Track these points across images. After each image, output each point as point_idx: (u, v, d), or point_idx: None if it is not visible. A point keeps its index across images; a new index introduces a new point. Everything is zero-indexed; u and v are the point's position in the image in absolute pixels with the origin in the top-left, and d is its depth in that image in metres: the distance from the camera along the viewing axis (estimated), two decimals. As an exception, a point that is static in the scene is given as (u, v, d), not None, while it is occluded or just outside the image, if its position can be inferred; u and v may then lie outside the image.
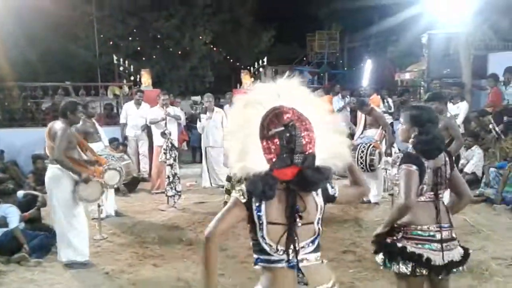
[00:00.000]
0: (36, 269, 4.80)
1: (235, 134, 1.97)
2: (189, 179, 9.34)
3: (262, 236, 1.90)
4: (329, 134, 1.97)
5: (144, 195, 8.17)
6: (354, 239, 5.53)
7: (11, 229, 5.11)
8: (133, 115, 9.13)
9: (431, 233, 2.73)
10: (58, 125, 4.81)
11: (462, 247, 2.87)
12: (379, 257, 2.87)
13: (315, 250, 1.97)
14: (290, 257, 1.88)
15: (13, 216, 5.23)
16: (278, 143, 1.86)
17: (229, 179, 6.55)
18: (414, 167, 2.72)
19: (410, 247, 2.72)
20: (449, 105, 8.83)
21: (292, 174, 1.86)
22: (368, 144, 6.65)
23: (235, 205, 1.93)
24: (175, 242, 5.66)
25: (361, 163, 6.57)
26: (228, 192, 6.56)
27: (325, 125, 1.97)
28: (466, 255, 2.83)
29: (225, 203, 6.50)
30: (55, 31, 15.90)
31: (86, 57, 17.82)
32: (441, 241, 2.72)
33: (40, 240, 5.23)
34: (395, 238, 2.79)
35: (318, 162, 1.91)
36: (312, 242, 1.95)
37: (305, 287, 1.89)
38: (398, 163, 5.18)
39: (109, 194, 6.51)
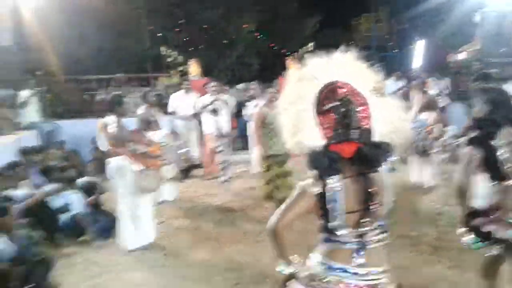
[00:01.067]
0: (99, 251, 5.08)
1: (288, 109, 1.97)
2: (240, 165, 9.47)
3: (337, 224, 1.89)
4: (386, 109, 1.94)
5: (197, 181, 8.36)
6: (410, 224, 5.43)
7: (74, 214, 5.42)
8: (183, 104, 9.28)
9: None
10: (108, 120, 5.02)
11: None
12: (470, 237, 2.84)
13: (385, 230, 1.97)
14: (363, 240, 1.90)
15: (76, 202, 5.54)
16: (333, 118, 1.86)
17: (267, 169, 6.25)
18: (475, 150, 2.71)
19: (498, 231, 2.69)
20: (507, 85, 8.46)
21: (350, 151, 1.84)
22: (422, 128, 6.51)
23: (302, 196, 1.93)
24: (228, 225, 5.81)
25: (416, 147, 6.47)
26: (267, 182, 6.19)
27: (382, 100, 1.95)
28: None
29: (267, 195, 6.33)
30: (107, 26, 16.44)
31: (136, 50, 18.30)
32: None
33: (102, 224, 5.51)
34: (484, 221, 2.77)
35: (376, 137, 1.89)
36: (382, 223, 1.96)
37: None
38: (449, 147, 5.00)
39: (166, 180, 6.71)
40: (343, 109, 1.85)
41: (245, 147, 11.02)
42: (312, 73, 1.96)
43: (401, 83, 10.38)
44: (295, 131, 1.92)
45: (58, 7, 12.58)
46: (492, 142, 2.69)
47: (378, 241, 1.94)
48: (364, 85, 1.93)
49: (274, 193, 6.14)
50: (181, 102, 9.25)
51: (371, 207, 1.88)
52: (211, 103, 8.02)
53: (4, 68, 9.77)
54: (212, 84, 8.32)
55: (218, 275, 4.37)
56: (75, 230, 5.38)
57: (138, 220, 5.08)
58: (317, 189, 1.89)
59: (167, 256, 4.89)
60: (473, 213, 2.81)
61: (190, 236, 5.44)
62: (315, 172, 1.90)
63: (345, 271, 1.91)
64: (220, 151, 7.31)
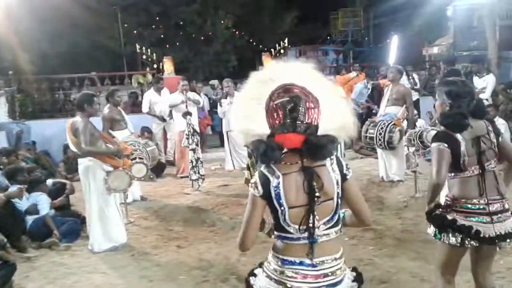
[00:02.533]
0: (65, 253, 5.02)
1: (244, 101, 2.06)
2: (214, 163, 9.46)
3: (285, 220, 1.95)
4: (335, 109, 2.03)
5: (170, 180, 8.34)
6: (376, 217, 5.50)
7: (42, 216, 5.35)
8: (158, 102, 9.22)
9: (481, 206, 2.73)
10: (78, 119, 4.93)
11: None
12: (431, 229, 2.90)
13: (335, 224, 2.02)
14: (311, 235, 1.94)
15: (44, 203, 5.47)
16: (281, 111, 1.92)
17: (250, 155, 6.69)
18: (443, 145, 2.73)
19: (460, 220, 2.75)
20: (475, 78, 8.63)
21: (296, 141, 1.90)
22: (389, 122, 6.59)
23: (254, 205, 1.98)
24: (198, 224, 5.80)
25: (380, 140, 6.54)
26: (248, 168, 6.64)
27: (333, 104, 2.04)
28: None
29: (246, 180, 6.71)
30: (81, 24, 16.22)
31: (112, 47, 18.11)
32: (490, 213, 2.72)
33: (69, 225, 5.46)
34: (445, 211, 2.82)
35: (321, 133, 1.96)
36: (332, 217, 1.99)
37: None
38: (415, 140, 5.09)
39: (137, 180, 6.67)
40: (292, 104, 1.91)
41: (219, 144, 11.04)
42: (270, 75, 2.06)
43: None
44: (244, 120, 2.00)
45: (29, 5, 12.36)
46: (457, 136, 2.74)
47: (328, 235, 1.99)
48: (317, 89, 2.01)
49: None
50: (157, 99, 9.19)
51: (316, 202, 1.91)
52: (182, 102, 8.01)
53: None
54: (182, 83, 8.27)
55: (184, 273, 4.36)
56: (42, 232, 5.31)
57: (107, 221, 5.05)
58: (261, 191, 1.95)
59: (135, 256, 4.86)
60: (436, 205, 2.87)
61: (159, 236, 5.42)
62: (261, 172, 1.96)
63: (300, 263, 1.97)
64: (192, 149, 7.27)
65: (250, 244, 2.02)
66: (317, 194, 1.90)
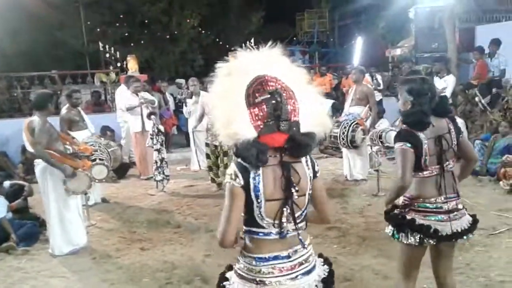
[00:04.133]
0: (23, 257, 4.85)
1: (219, 103, 1.99)
2: (180, 163, 9.37)
3: (260, 214, 1.94)
4: (310, 104, 2.01)
5: (134, 181, 8.20)
6: (340, 216, 5.58)
7: (-2, 219, 5.15)
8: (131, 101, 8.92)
9: (438, 205, 2.75)
10: (35, 119, 4.76)
11: (470, 215, 2.90)
12: (388, 229, 2.91)
13: (304, 218, 2.06)
14: (283, 230, 1.95)
15: (0, 206, 5.25)
16: (265, 110, 1.90)
17: (208, 156, 6.84)
18: (406, 145, 2.71)
19: (419, 219, 2.76)
20: (436, 79, 8.86)
21: (281, 140, 1.91)
22: (352, 121, 6.70)
23: (234, 197, 1.93)
24: (163, 225, 5.71)
25: (343, 139, 6.64)
26: (211, 168, 6.94)
27: (307, 95, 2.01)
28: (474, 221, 2.87)
29: (212, 179, 6.98)
30: (42, 20, 15.71)
31: (74, 45, 17.63)
32: (448, 211, 2.75)
33: (27, 229, 5.28)
34: (403, 210, 2.83)
35: (302, 129, 1.96)
36: (303, 212, 2.03)
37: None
38: (376, 140, 5.12)
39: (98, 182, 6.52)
40: (273, 102, 1.89)
41: (185, 144, 10.94)
42: (239, 67, 1.98)
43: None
44: (227, 124, 1.94)
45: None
46: (419, 135, 2.72)
47: (298, 229, 2.01)
48: (290, 80, 1.98)
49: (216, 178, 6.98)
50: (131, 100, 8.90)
51: (292, 196, 1.93)
52: (139, 105, 7.90)
53: None
54: (135, 84, 8.12)
55: (148, 276, 4.29)
56: (-2, 236, 5.11)
57: (67, 224, 4.90)
58: (242, 181, 1.92)
59: (97, 260, 4.74)
60: (393, 205, 2.89)
61: (122, 239, 5.31)
62: (240, 163, 1.94)
63: (275, 258, 1.98)
64: (157, 149, 7.17)
65: (232, 239, 1.98)
66: (295, 188, 1.93)
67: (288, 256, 1.99)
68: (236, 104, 1.93)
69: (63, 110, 6.55)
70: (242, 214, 2.01)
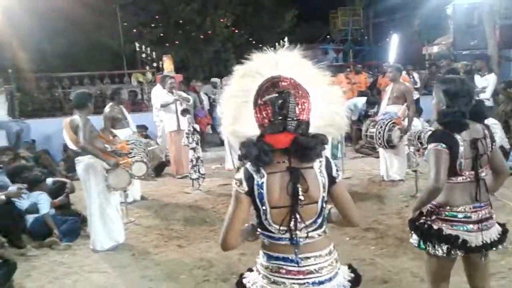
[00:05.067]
0: (66, 252, 5.01)
1: (230, 101, 1.99)
2: (215, 162, 9.45)
3: (266, 219, 1.92)
4: (325, 104, 1.97)
5: (170, 179, 8.33)
6: (377, 217, 5.51)
7: (42, 215, 5.33)
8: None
9: (467, 214, 2.61)
10: (77, 117, 4.92)
11: (499, 223, 2.76)
12: (413, 239, 2.78)
13: (319, 227, 1.96)
14: (293, 237, 1.90)
15: (44, 202, 5.44)
16: (271, 109, 1.85)
17: (240, 158, 6.77)
18: (441, 145, 2.58)
19: (446, 229, 2.63)
20: (477, 77, 8.62)
21: (286, 141, 1.84)
22: (389, 120, 6.58)
23: (238, 203, 1.92)
24: (199, 223, 5.80)
25: (380, 139, 6.53)
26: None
27: (323, 95, 1.97)
28: (504, 231, 2.74)
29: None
30: (81, 22, 16.16)
31: (111, 46, 18.07)
32: (477, 221, 2.61)
33: (69, 225, 5.45)
34: (430, 219, 2.70)
35: (312, 130, 1.91)
36: (315, 221, 1.94)
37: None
38: (414, 140, 4.94)
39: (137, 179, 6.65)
40: (280, 101, 1.84)
41: (219, 143, 11.02)
42: (255, 68, 1.97)
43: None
44: (233, 121, 1.94)
45: (29, 3, 12.31)
46: (456, 136, 2.60)
47: (311, 237, 1.94)
48: (306, 80, 1.94)
49: None
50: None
51: (299, 204, 1.86)
52: (174, 101, 7.99)
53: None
54: (170, 81, 8.22)
55: (185, 273, 4.36)
56: (42, 231, 5.29)
57: (108, 220, 5.03)
58: (246, 187, 1.90)
59: (135, 256, 4.85)
60: (419, 213, 2.76)
61: (160, 235, 5.41)
62: (246, 169, 1.91)
63: (284, 259, 1.95)
64: (192, 148, 7.26)
65: (234, 243, 1.96)
66: (300, 196, 1.85)
67: (297, 261, 1.93)
68: (244, 103, 1.93)
69: (107, 109, 6.74)
70: (255, 218, 1.99)
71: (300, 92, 1.88)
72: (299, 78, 1.93)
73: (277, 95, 1.85)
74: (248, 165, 1.92)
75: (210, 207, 6.48)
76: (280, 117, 1.84)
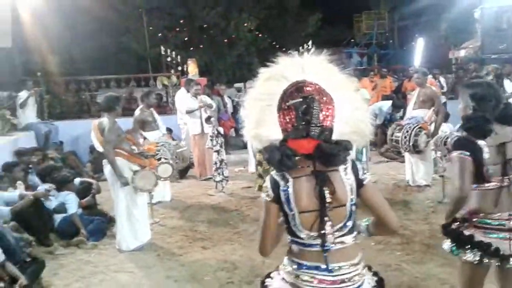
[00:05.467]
0: (92, 251, 5.10)
1: (254, 104, 1.97)
2: (238, 165, 9.48)
3: (295, 225, 1.89)
4: (350, 110, 1.94)
5: (193, 181, 8.38)
6: (402, 222, 5.41)
7: (69, 215, 5.44)
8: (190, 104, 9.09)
9: (502, 222, 2.56)
10: (105, 120, 5.01)
11: None
12: (447, 244, 2.76)
13: (349, 232, 1.93)
14: (324, 242, 1.87)
15: (72, 202, 5.55)
16: (294, 114, 1.83)
17: (260, 163, 6.65)
18: (464, 153, 2.54)
19: (478, 236, 2.58)
20: (506, 82, 8.44)
21: (309, 147, 1.82)
22: (415, 125, 6.48)
23: (267, 211, 1.92)
24: (223, 225, 5.82)
25: (405, 143, 6.44)
26: (260, 176, 6.64)
27: (348, 101, 1.95)
28: None
29: (259, 187, 6.74)
30: (107, 26, 16.51)
31: (137, 50, 18.35)
32: (511, 229, 2.55)
33: (96, 224, 5.54)
34: (462, 225, 2.67)
35: (336, 136, 1.88)
36: (345, 224, 1.91)
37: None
38: (441, 146, 4.83)
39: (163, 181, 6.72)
40: (304, 106, 1.82)
41: (242, 146, 11.04)
42: (281, 72, 1.96)
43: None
44: (256, 125, 1.93)
45: (57, 7, 12.61)
46: (479, 142, 2.54)
47: (342, 242, 1.91)
48: (331, 85, 1.92)
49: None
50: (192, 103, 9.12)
51: (327, 207, 1.84)
52: (198, 108, 8.06)
53: (4, 69, 9.84)
54: (195, 87, 8.31)
55: (209, 275, 4.38)
56: (70, 230, 5.39)
57: (134, 221, 5.09)
58: (272, 194, 1.90)
59: (161, 256, 4.90)
60: (452, 219, 2.72)
61: (184, 237, 5.45)
62: (272, 176, 1.91)
63: (316, 268, 1.91)
64: (216, 151, 7.31)
65: (270, 249, 1.99)
66: (328, 199, 1.83)
67: (330, 270, 1.88)
68: (268, 107, 1.91)
69: (137, 111, 6.85)
70: (284, 224, 1.97)
71: (324, 98, 1.86)
72: (325, 83, 1.91)
73: (301, 100, 1.83)
74: (273, 172, 1.92)
75: (234, 209, 6.50)
76: (304, 123, 1.83)
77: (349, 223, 1.93)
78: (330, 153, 1.81)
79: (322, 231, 1.86)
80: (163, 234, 5.57)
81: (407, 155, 7.03)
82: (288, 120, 1.85)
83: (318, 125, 1.83)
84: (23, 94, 8.98)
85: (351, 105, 1.95)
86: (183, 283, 4.24)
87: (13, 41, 10.01)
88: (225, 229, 5.68)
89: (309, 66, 1.95)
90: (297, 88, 1.87)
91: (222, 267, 4.51)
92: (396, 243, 4.81)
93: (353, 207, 1.91)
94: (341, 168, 1.88)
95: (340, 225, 1.90)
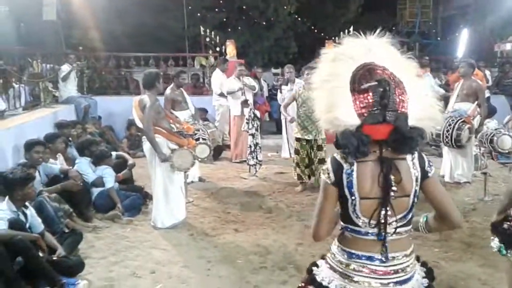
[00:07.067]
0: (128, 226, 5.18)
1: (322, 85, 1.91)
2: (271, 150, 9.44)
3: (354, 211, 1.85)
4: (420, 96, 1.87)
5: (227, 163, 8.40)
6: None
7: (107, 189, 5.53)
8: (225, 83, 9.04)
9: None
10: (146, 97, 5.00)
11: None
12: (495, 243, 2.67)
13: (407, 224, 1.90)
14: (382, 231, 1.83)
15: (109, 177, 5.64)
16: (371, 97, 1.76)
17: (297, 152, 6.53)
18: None
19: None
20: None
21: (385, 132, 1.77)
22: (458, 118, 6.21)
23: (326, 194, 1.88)
24: (255, 209, 5.81)
25: (447, 137, 6.18)
26: (298, 165, 6.54)
27: (416, 87, 1.87)
28: None
29: (299, 176, 6.57)
30: (147, 4, 16.53)
31: (175, 29, 18.34)
32: None
33: (132, 200, 5.62)
34: None
35: (410, 123, 1.81)
36: (405, 216, 1.87)
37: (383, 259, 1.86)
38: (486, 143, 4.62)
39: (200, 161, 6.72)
40: (381, 89, 1.75)
41: (275, 131, 11.00)
42: (346, 53, 1.89)
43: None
44: (329, 108, 1.86)
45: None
46: None
47: (398, 233, 1.86)
48: (398, 70, 1.85)
49: (304, 176, 6.55)
50: (223, 81, 9.08)
51: (391, 196, 1.79)
52: (239, 89, 8.00)
53: (48, 42, 10.04)
54: (239, 68, 8.24)
55: (242, 258, 4.38)
56: (106, 204, 5.49)
57: (170, 199, 5.13)
58: (333, 177, 1.85)
59: (194, 236, 4.93)
60: (504, 216, 2.62)
61: (217, 218, 5.48)
62: (334, 159, 1.87)
63: (369, 258, 1.87)
64: (251, 134, 7.27)
65: (325, 235, 1.95)
66: (393, 187, 1.78)
67: (383, 261, 1.85)
68: (340, 89, 1.83)
69: (168, 90, 6.86)
70: (339, 210, 1.93)
71: (397, 82, 1.79)
72: (391, 66, 1.83)
73: (376, 83, 1.76)
74: (336, 154, 1.86)
75: (266, 194, 6.48)
76: (380, 107, 1.76)
77: (409, 215, 1.89)
78: (408, 136, 1.76)
79: (382, 220, 1.81)
80: (196, 214, 5.61)
81: (445, 150, 6.79)
82: (364, 104, 1.78)
83: (394, 110, 1.77)
84: (65, 68, 9.14)
85: (419, 91, 1.88)
86: (215, 264, 4.25)
87: (57, 15, 10.19)
88: (258, 213, 5.66)
89: (375, 47, 1.88)
90: (368, 70, 1.80)
91: (255, 251, 4.50)
92: (433, 239, 4.68)
93: (415, 199, 1.87)
94: (408, 157, 1.84)
95: (401, 215, 1.86)
